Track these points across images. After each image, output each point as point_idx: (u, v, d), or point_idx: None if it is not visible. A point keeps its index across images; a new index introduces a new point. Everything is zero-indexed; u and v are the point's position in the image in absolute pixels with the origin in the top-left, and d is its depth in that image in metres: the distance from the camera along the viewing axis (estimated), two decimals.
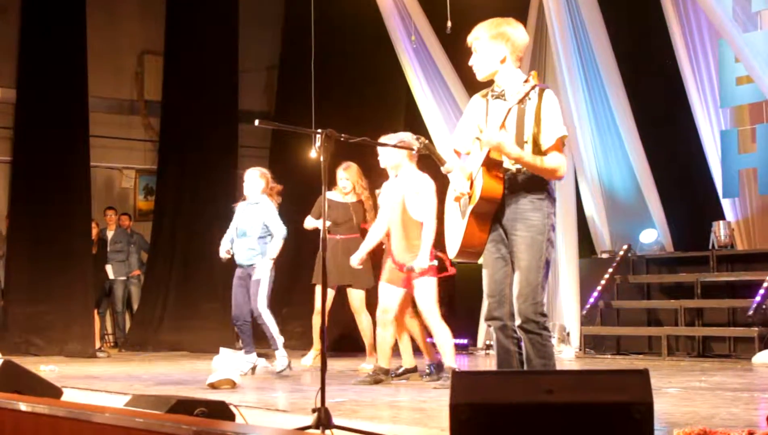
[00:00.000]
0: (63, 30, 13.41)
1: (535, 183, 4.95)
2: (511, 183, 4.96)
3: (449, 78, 13.60)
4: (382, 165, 8.36)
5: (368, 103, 14.04)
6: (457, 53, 13.48)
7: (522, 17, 13.00)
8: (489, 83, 5.24)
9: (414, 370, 9.01)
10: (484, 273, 5.07)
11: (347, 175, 10.23)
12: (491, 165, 4.93)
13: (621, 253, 12.38)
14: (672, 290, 12.14)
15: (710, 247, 11.86)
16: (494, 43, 5.06)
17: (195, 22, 14.80)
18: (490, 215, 4.98)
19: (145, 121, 16.07)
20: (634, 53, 12.63)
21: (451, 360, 8.07)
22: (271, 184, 9.80)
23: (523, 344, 4.93)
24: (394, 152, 8.13)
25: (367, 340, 10.20)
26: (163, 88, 15.22)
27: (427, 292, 8.00)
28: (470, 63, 5.17)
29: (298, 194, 11.89)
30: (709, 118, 12.08)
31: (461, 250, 5.06)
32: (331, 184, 9.64)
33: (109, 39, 15.49)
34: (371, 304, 9.48)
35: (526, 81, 4.92)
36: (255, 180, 9.74)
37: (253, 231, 9.63)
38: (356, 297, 10.26)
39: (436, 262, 8.05)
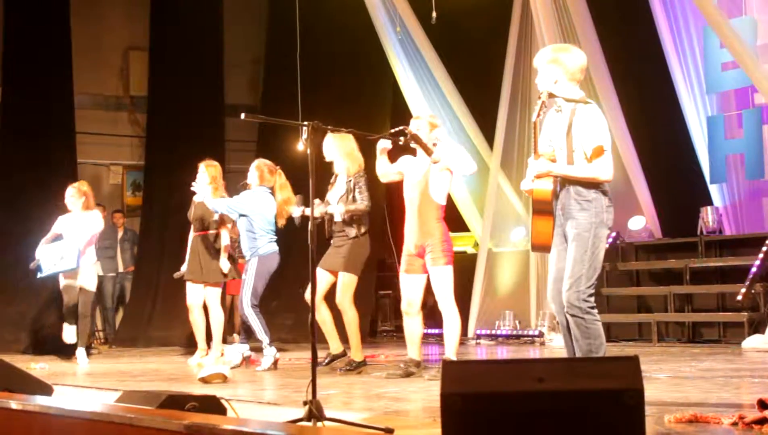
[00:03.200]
0: (47, 27, 13.41)
1: (583, 187, 5.63)
2: (562, 188, 5.68)
3: (435, 68, 13.62)
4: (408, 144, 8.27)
5: (355, 94, 14.03)
6: (443, 43, 13.53)
7: (507, 6, 13.02)
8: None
9: (343, 354, 9.01)
10: (550, 261, 5.81)
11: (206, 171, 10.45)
12: (541, 174, 5.68)
13: (609, 240, 12.41)
14: (661, 276, 12.18)
15: (698, 232, 11.89)
16: (550, 66, 5.81)
17: (180, 17, 14.78)
18: (547, 214, 5.66)
19: (132, 117, 16.04)
20: (620, 40, 12.62)
21: (451, 351, 8.01)
22: (266, 175, 9.84)
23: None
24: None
25: (200, 334, 10.51)
26: (149, 83, 15.19)
27: (445, 279, 7.96)
28: (536, 81, 5.95)
29: None
30: (695, 104, 12.10)
31: (533, 244, 5.80)
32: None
33: (93, 35, 15.46)
34: None
35: (575, 99, 5.75)
36: (251, 172, 9.91)
37: (242, 227, 9.69)
38: (211, 294, 10.41)
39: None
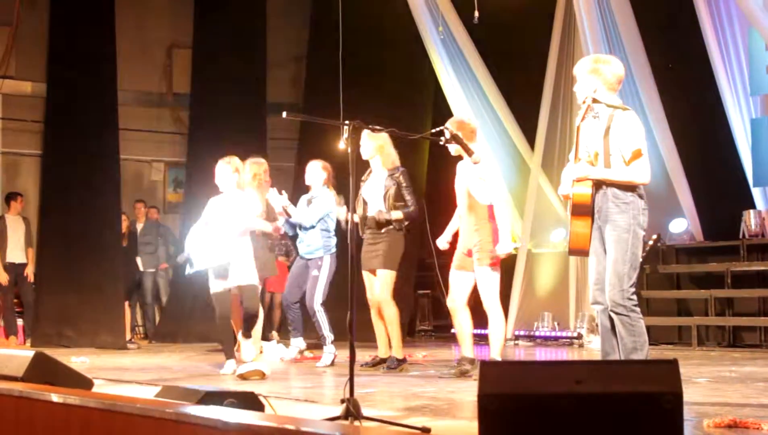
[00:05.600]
0: (92, 24, 13.49)
1: (620, 190, 5.80)
2: (600, 191, 5.83)
3: (477, 68, 13.59)
4: (452, 152, 8.27)
5: (396, 93, 14.03)
6: (484, 43, 13.49)
7: (550, 6, 12.97)
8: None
9: (405, 360, 8.96)
10: (590, 264, 5.96)
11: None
12: (580, 179, 5.86)
13: (650, 242, 12.33)
14: (702, 280, 12.08)
15: (740, 236, 11.79)
16: (590, 76, 6.01)
17: (223, 15, 14.85)
18: (586, 218, 5.81)
19: (174, 114, 16.15)
20: (663, 42, 12.55)
21: (496, 352, 8.00)
22: (332, 176, 9.92)
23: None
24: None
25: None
26: (192, 81, 15.28)
27: (492, 280, 7.96)
28: (574, 89, 6.18)
29: None
30: (739, 106, 12.00)
31: (570, 248, 5.94)
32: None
33: (138, 33, 15.59)
34: None
35: (615, 105, 5.94)
36: (317, 172, 9.90)
37: (317, 226, 9.77)
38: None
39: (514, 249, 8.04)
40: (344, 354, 9.46)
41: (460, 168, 8.32)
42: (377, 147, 8.95)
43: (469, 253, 8.06)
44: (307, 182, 9.98)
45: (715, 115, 12.12)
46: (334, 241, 9.89)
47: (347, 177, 5.33)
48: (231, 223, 8.88)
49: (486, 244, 7.96)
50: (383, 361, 8.95)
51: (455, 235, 8.44)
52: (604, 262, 5.83)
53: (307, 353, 10.29)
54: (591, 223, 5.82)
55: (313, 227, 9.75)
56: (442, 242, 8.48)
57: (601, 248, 5.86)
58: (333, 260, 9.80)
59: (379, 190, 8.92)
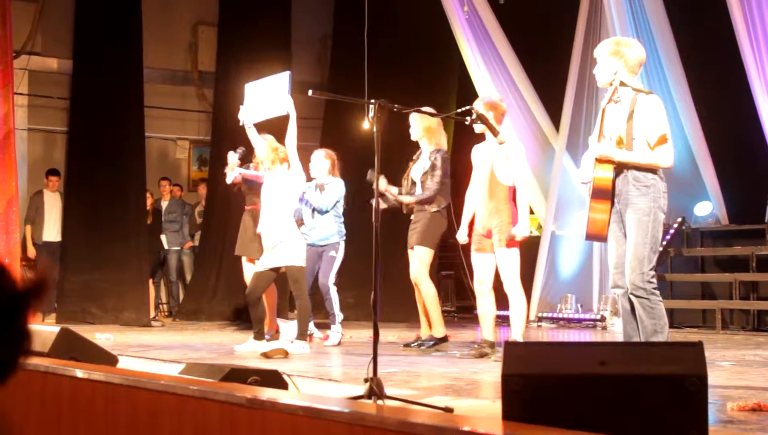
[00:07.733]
0: (118, 2, 13.51)
1: (641, 173, 5.77)
2: (621, 175, 5.80)
3: (502, 49, 13.54)
4: (477, 130, 8.20)
5: (421, 73, 14.01)
6: (510, 24, 13.44)
7: None
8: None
9: (445, 339, 8.97)
10: (610, 248, 5.96)
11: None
12: (602, 160, 5.80)
13: (675, 225, 12.29)
14: (727, 263, 12.04)
15: (766, 220, 11.73)
16: (611, 58, 5.95)
17: None
18: (605, 202, 5.76)
19: (199, 92, 16.16)
20: (690, 22, 12.46)
21: (518, 334, 7.99)
22: (336, 164, 9.95)
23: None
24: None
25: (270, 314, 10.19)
26: (217, 59, 15.28)
27: (511, 261, 7.95)
28: (594, 71, 6.12)
29: (350, 165, 11.90)
30: (766, 88, 11.90)
31: (587, 233, 5.88)
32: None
33: (163, 10, 15.58)
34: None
35: (639, 88, 5.90)
36: (320, 161, 9.99)
37: (329, 212, 9.80)
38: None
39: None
40: (367, 333, 9.52)
41: (481, 149, 8.30)
42: (425, 128, 8.95)
43: (488, 234, 8.04)
44: (312, 173, 10.01)
45: (742, 98, 12.03)
46: (343, 225, 9.97)
47: (372, 156, 5.31)
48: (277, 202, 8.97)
49: (506, 225, 7.95)
50: (441, 340, 8.95)
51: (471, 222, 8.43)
52: (624, 246, 5.83)
53: (317, 333, 10.29)
54: (610, 207, 5.79)
55: (327, 212, 9.78)
56: (462, 237, 8.45)
57: (620, 232, 5.85)
58: (343, 246, 9.92)
59: (421, 170, 8.96)
